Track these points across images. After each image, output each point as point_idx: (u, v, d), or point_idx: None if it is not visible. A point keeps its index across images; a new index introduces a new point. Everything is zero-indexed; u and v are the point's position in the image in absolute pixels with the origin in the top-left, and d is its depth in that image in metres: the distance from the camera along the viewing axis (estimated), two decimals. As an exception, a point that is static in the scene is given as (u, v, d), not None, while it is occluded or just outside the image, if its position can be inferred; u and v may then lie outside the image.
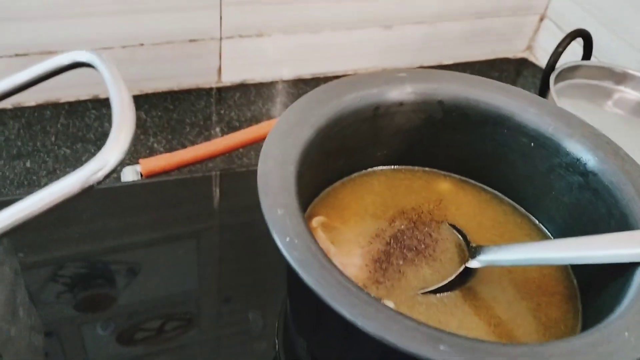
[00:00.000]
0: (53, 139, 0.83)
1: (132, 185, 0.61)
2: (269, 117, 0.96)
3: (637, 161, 0.39)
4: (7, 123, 0.85)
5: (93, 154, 0.52)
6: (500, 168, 0.45)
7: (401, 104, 0.43)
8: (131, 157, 0.81)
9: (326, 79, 1.04)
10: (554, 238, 0.43)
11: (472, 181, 0.47)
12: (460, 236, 0.42)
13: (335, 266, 0.29)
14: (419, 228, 0.42)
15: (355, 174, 0.46)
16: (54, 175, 0.79)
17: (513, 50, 1.20)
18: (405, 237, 0.41)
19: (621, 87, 0.81)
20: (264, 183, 0.33)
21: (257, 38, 0.97)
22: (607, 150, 0.39)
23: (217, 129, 0.92)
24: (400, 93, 0.43)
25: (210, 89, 0.99)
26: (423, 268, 0.39)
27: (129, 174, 0.64)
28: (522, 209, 0.45)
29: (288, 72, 1.04)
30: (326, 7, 0.98)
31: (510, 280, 0.40)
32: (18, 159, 0.79)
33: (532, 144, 0.42)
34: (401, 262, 0.39)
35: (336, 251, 0.40)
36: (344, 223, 0.42)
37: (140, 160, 0.64)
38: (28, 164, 0.79)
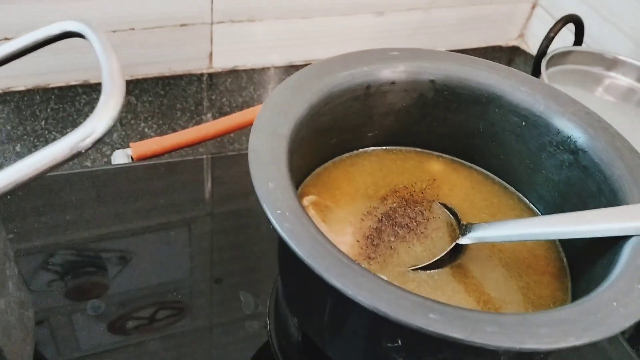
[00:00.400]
0: (43, 123, 0.83)
1: (123, 168, 0.61)
2: (261, 103, 0.96)
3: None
4: (-3, 107, 0.84)
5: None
6: (491, 147, 0.45)
7: (393, 82, 0.43)
8: (122, 141, 0.81)
9: (318, 65, 1.03)
10: (544, 217, 0.43)
11: (464, 162, 0.47)
12: (451, 215, 0.42)
13: (326, 238, 0.29)
14: (411, 206, 0.42)
15: (347, 154, 0.46)
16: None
17: (505, 37, 1.20)
18: (397, 214, 0.41)
19: (612, 73, 0.81)
20: (255, 157, 0.33)
21: (248, 23, 0.97)
22: (597, 127, 0.39)
23: (209, 115, 0.91)
24: (392, 72, 0.43)
25: (202, 74, 0.99)
26: (414, 245, 0.40)
27: (120, 158, 0.64)
28: (513, 188, 0.45)
29: (279, 58, 1.04)
30: (318, -8, 0.98)
31: (500, 259, 0.41)
32: (7, 143, 0.79)
33: (523, 122, 0.42)
34: (392, 239, 0.39)
35: (327, 229, 0.40)
36: (336, 202, 0.43)
37: (131, 144, 0.64)
38: (18, 148, 0.78)
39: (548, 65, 0.75)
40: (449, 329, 0.26)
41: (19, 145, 0.79)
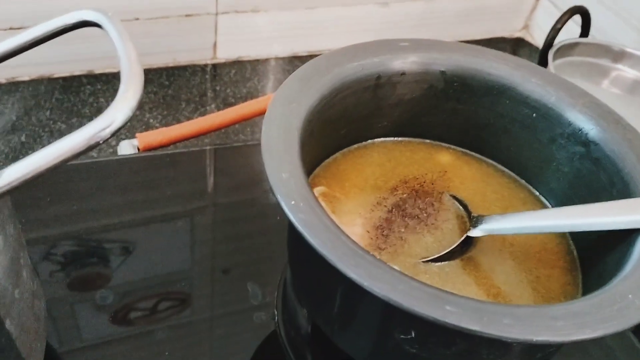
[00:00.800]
0: (48, 113, 0.82)
1: (129, 159, 0.61)
2: (265, 94, 0.96)
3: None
4: (1, 98, 0.84)
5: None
6: (502, 139, 0.45)
7: (403, 73, 0.43)
8: (127, 132, 0.81)
9: (322, 56, 1.03)
10: (555, 209, 0.43)
11: (474, 153, 0.47)
12: (461, 207, 0.42)
13: (340, 229, 0.29)
14: (421, 197, 0.42)
15: (356, 145, 0.46)
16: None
17: (509, 29, 1.19)
18: (407, 205, 0.41)
19: (619, 66, 0.81)
20: (268, 147, 0.32)
21: (253, 14, 0.96)
22: (608, 119, 0.39)
23: (213, 106, 0.91)
24: (403, 62, 0.43)
25: (206, 65, 0.98)
26: (425, 236, 0.40)
27: (126, 148, 0.64)
28: (523, 180, 0.45)
29: (283, 49, 1.03)
30: (323, -17, 0.97)
31: (511, 252, 0.40)
32: (13, 133, 0.79)
33: (534, 114, 0.42)
34: (403, 230, 0.39)
35: (338, 221, 0.40)
36: (345, 194, 0.42)
37: (137, 135, 0.64)
38: (23, 138, 0.78)
39: (554, 58, 0.75)
40: (465, 321, 0.26)
41: (24, 135, 0.79)
